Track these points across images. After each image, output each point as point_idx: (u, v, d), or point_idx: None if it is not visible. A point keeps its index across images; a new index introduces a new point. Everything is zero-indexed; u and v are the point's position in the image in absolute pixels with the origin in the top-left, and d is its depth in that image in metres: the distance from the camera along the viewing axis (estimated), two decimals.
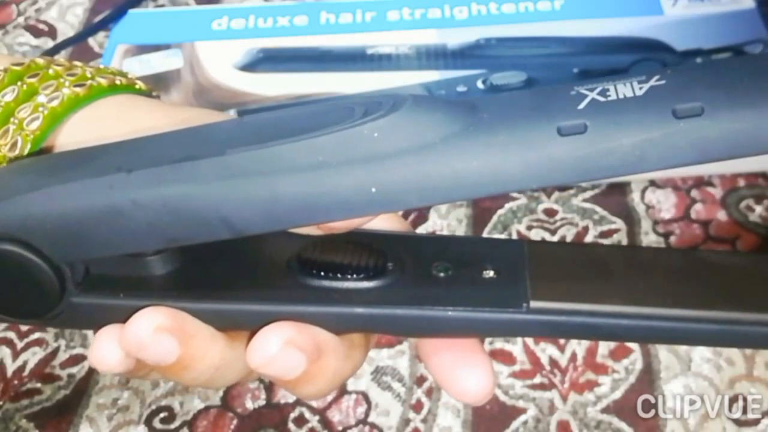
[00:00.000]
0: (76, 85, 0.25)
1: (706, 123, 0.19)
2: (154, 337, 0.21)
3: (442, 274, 0.24)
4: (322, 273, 0.24)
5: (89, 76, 0.26)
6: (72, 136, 0.25)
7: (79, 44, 0.69)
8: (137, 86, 0.28)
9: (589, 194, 0.55)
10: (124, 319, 0.22)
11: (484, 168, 0.20)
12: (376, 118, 0.20)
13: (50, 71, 0.26)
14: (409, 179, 0.20)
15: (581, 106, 0.19)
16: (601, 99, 0.19)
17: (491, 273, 0.24)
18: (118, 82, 0.27)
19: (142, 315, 0.22)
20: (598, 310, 0.23)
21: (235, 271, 0.24)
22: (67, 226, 0.21)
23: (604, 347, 0.48)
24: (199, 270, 0.24)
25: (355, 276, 0.24)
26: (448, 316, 0.23)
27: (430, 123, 0.20)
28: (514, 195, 0.55)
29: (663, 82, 0.19)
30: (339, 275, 0.24)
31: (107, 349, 0.22)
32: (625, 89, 0.20)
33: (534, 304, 0.23)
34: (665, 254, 0.29)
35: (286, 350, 0.22)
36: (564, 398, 0.46)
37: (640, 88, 0.19)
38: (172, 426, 0.47)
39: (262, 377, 0.24)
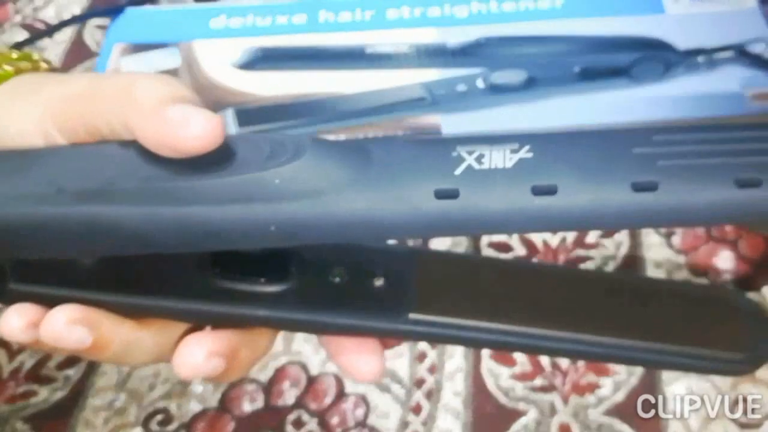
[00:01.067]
0: None
1: (558, 201, 0.22)
2: (67, 329, 0.25)
3: (338, 280, 0.28)
4: (231, 274, 0.27)
5: None
6: None
7: (76, 43, 0.68)
8: (43, 67, 0.29)
9: None
10: (50, 304, 0.25)
11: (369, 218, 0.23)
12: (278, 164, 0.23)
13: None
14: (303, 221, 0.23)
15: (458, 171, 0.22)
16: (476, 166, 0.22)
17: (381, 281, 0.28)
18: (23, 67, 0.28)
19: (54, 312, 0.25)
20: (469, 325, 0.26)
21: (156, 265, 0.27)
22: (1, 232, 0.24)
23: None
24: (122, 262, 0.27)
25: (259, 279, 0.27)
26: (338, 322, 0.27)
27: (324, 172, 0.23)
28: None
29: (530, 155, 0.22)
30: (245, 278, 0.27)
31: (15, 319, 0.25)
32: (497, 158, 0.22)
33: (413, 316, 0.26)
34: (550, 272, 0.33)
35: (209, 360, 0.26)
36: (565, 400, 0.46)
37: (510, 159, 0.22)
38: (169, 428, 0.47)
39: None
